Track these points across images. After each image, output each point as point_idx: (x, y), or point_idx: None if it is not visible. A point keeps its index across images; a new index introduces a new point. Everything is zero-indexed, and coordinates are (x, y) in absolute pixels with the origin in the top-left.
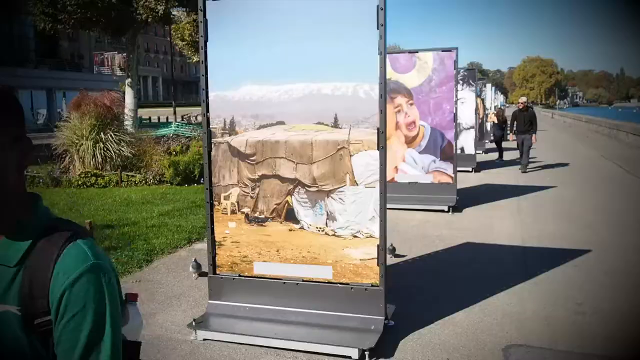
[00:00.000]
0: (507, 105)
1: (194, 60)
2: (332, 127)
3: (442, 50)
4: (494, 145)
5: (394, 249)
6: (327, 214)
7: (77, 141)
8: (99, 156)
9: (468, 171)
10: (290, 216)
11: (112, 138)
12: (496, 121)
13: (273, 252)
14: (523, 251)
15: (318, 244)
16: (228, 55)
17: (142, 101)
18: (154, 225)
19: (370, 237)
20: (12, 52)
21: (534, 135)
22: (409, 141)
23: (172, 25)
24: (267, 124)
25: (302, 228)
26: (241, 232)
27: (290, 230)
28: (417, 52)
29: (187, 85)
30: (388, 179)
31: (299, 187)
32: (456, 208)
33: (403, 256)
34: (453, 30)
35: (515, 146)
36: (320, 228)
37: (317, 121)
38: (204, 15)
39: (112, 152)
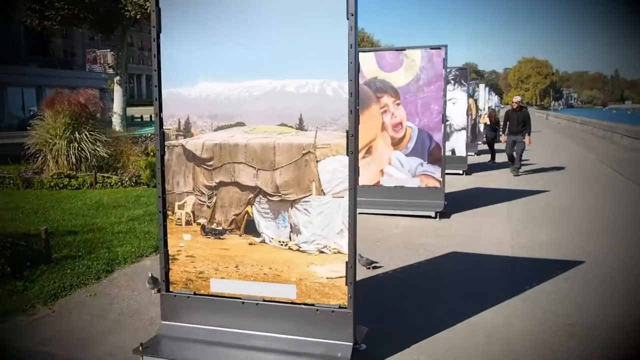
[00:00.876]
0: (502, 106)
1: None
2: (296, 129)
3: (431, 48)
4: (486, 147)
5: (370, 262)
6: (291, 227)
7: (50, 140)
8: (73, 156)
9: (459, 174)
10: (250, 228)
11: (87, 137)
12: (488, 122)
13: (231, 268)
14: (512, 262)
15: (281, 259)
16: (183, 49)
17: (136, 99)
18: (121, 232)
19: (338, 252)
20: (2, 49)
21: (527, 137)
22: (396, 143)
23: None
24: (225, 125)
25: (263, 242)
26: (197, 245)
27: (250, 244)
28: (404, 49)
29: None
30: (373, 182)
31: (260, 196)
32: (444, 213)
33: (380, 266)
34: (448, 30)
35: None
36: (283, 242)
37: (280, 122)
38: (157, 4)
39: (87, 152)
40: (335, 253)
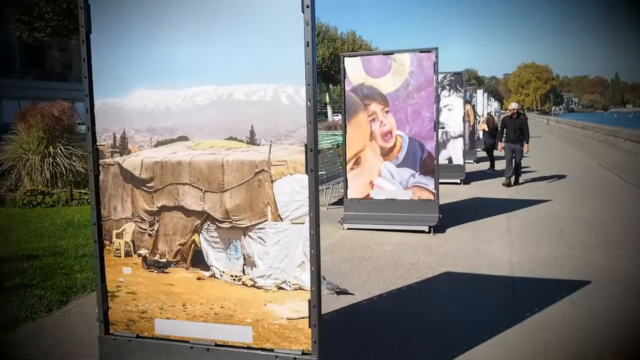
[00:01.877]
0: (503, 111)
1: None
2: (247, 143)
3: (421, 51)
4: (485, 154)
5: (336, 288)
6: (245, 258)
7: (24, 156)
8: (48, 172)
9: (456, 183)
10: (198, 260)
11: (62, 152)
12: (486, 129)
13: (178, 307)
14: (511, 284)
15: (234, 297)
16: (116, 51)
17: None
18: (85, 255)
19: (300, 289)
20: None
21: (526, 145)
22: (385, 153)
23: None
24: (166, 140)
25: (213, 276)
26: (138, 279)
27: (198, 278)
28: (392, 53)
29: None
30: (363, 195)
31: (208, 222)
32: (438, 227)
33: (350, 294)
34: (448, 37)
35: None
36: (235, 276)
37: (229, 136)
38: (85, 0)
39: (62, 167)
40: (296, 289)
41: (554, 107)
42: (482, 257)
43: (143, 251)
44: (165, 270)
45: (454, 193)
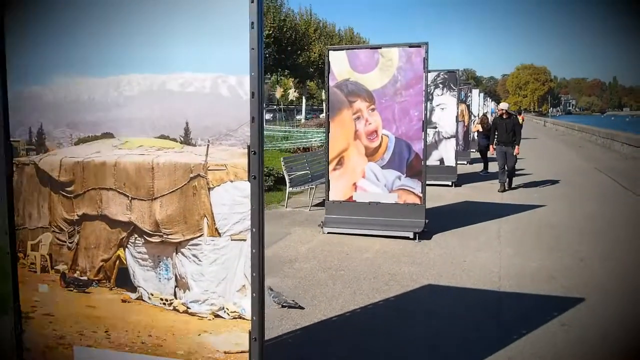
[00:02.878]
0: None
1: None
2: (181, 143)
3: (410, 46)
4: (479, 155)
5: (284, 301)
6: (177, 279)
7: None
8: None
9: (448, 185)
10: (123, 280)
11: None
12: (481, 130)
13: (100, 334)
14: (498, 301)
15: (164, 324)
16: (35, 34)
17: None
18: None
19: (240, 317)
20: None
21: (517, 147)
22: (370, 153)
23: None
24: (89, 137)
25: (140, 299)
26: (56, 299)
27: (123, 300)
28: (379, 47)
29: None
30: (345, 197)
31: (136, 235)
32: (424, 233)
33: (300, 308)
34: (447, 36)
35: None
36: (166, 300)
37: (160, 134)
38: None
39: None
40: (235, 318)
41: (551, 108)
42: (468, 268)
43: (61, 266)
44: (86, 290)
45: (444, 196)
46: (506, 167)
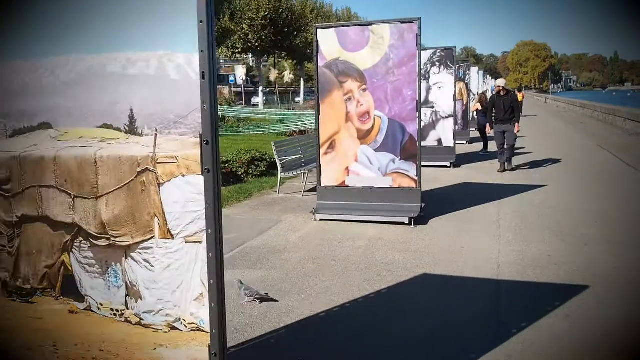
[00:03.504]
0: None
1: None
2: (126, 132)
3: (402, 22)
4: (479, 134)
5: (257, 294)
6: (127, 287)
7: None
8: None
9: (446, 166)
10: (69, 288)
11: None
12: (480, 108)
13: (48, 348)
14: (496, 290)
15: (116, 337)
16: None
17: None
18: None
19: (198, 330)
20: None
21: (516, 124)
22: (363, 136)
23: None
24: (24, 128)
25: (89, 309)
26: None
27: (71, 311)
28: (370, 24)
29: None
30: (338, 182)
31: (81, 238)
32: (421, 218)
33: (274, 301)
34: (445, 16)
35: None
36: (117, 311)
37: (103, 122)
38: None
39: None
40: (193, 330)
41: (552, 85)
42: (465, 255)
43: (2, 274)
44: (30, 300)
45: (442, 178)
46: (505, 146)
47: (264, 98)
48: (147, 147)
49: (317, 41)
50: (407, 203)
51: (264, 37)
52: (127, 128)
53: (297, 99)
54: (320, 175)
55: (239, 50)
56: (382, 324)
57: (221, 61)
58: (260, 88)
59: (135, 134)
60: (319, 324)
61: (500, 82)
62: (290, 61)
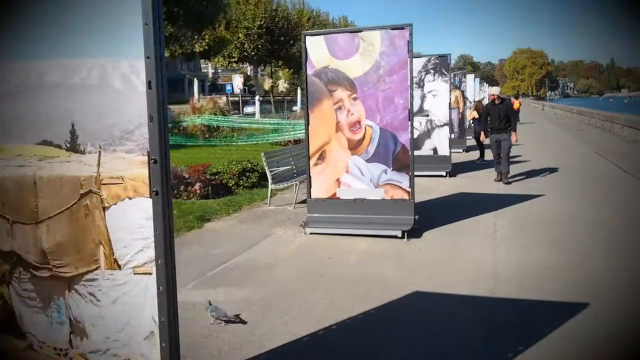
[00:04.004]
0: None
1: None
2: (67, 150)
3: (392, 28)
4: (475, 142)
5: (224, 316)
6: (72, 324)
7: None
8: None
9: (442, 176)
10: (9, 324)
11: None
12: (476, 116)
13: None
14: (491, 309)
15: None
16: None
17: None
18: None
19: None
20: None
21: (513, 133)
22: (354, 146)
23: None
24: None
25: (30, 348)
26: None
27: (13, 349)
28: (360, 31)
29: (172, 83)
30: (328, 194)
31: (20, 268)
32: (414, 231)
33: (242, 323)
34: (443, 23)
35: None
36: (60, 350)
37: (42, 139)
38: None
39: None
40: None
41: (549, 92)
42: (460, 270)
43: None
44: None
45: (437, 188)
46: (499, 153)
47: (260, 107)
48: (90, 167)
49: (306, 49)
50: (400, 215)
51: (260, 46)
52: (68, 145)
53: (294, 108)
54: (310, 187)
55: (235, 59)
56: (368, 349)
57: (219, 70)
58: (257, 97)
59: (78, 151)
60: (303, 349)
61: (495, 90)
62: (287, 70)
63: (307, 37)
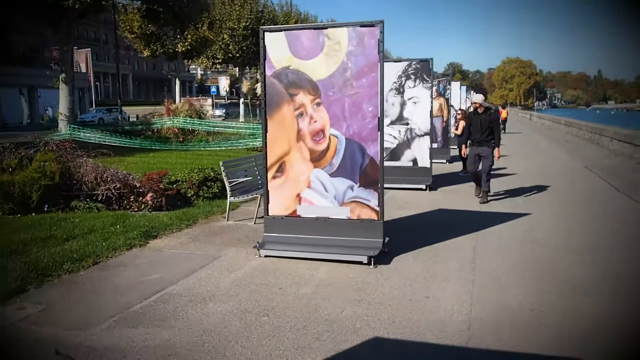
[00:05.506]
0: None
1: (145, 55)
2: None
3: (361, 26)
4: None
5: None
6: None
7: None
8: None
9: (421, 189)
10: None
11: None
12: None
13: None
14: None
15: None
16: None
17: (103, 99)
18: None
19: None
20: None
21: (496, 149)
22: (316, 158)
23: (118, 15)
24: None
25: None
26: None
27: None
28: (325, 27)
29: (159, 83)
30: (288, 211)
31: None
32: (383, 255)
33: None
34: (432, 31)
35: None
36: None
37: None
38: None
39: None
40: None
41: (537, 102)
42: (430, 309)
43: None
44: None
45: (415, 202)
46: (481, 172)
47: (224, 111)
48: None
49: (265, 46)
50: (366, 238)
51: (245, 48)
52: None
53: None
54: (268, 202)
55: (219, 60)
56: None
57: (208, 72)
58: (242, 99)
59: None
60: None
61: (477, 98)
62: None
63: (265, 33)
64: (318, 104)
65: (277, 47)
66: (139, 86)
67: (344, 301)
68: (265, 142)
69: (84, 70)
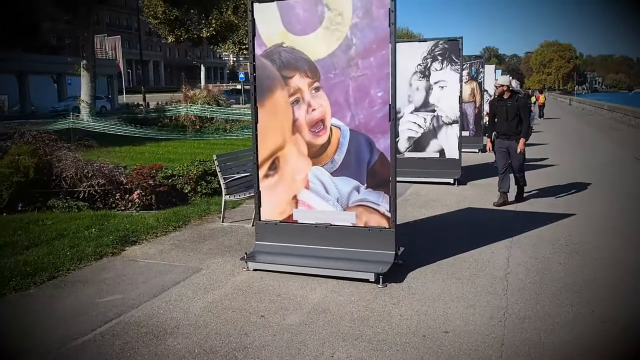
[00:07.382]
0: (525, 91)
1: (169, 41)
2: None
3: None
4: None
5: None
6: None
7: None
8: None
9: (449, 183)
10: None
11: None
12: None
13: None
14: None
15: None
16: None
17: (135, 86)
18: None
19: None
20: None
21: (521, 140)
22: (315, 153)
23: (142, 0)
24: None
25: None
26: None
27: None
28: None
29: (190, 70)
30: (283, 216)
31: None
32: (396, 269)
33: None
34: (467, 15)
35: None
36: None
37: None
38: None
39: None
40: None
41: (576, 86)
42: (449, 352)
43: None
44: None
45: (440, 199)
46: (509, 170)
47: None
48: None
49: (253, 19)
50: (375, 249)
51: None
52: None
53: None
54: (260, 205)
55: (246, 46)
56: None
57: (241, 58)
58: None
59: None
60: None
61: (503, 79)
62: None
63: (254, 5)
64: (317, 89)
65: (268, 20)
66: (170, 73)
67: (338, 337)
68: (256, 135)
69: (114, 57)
